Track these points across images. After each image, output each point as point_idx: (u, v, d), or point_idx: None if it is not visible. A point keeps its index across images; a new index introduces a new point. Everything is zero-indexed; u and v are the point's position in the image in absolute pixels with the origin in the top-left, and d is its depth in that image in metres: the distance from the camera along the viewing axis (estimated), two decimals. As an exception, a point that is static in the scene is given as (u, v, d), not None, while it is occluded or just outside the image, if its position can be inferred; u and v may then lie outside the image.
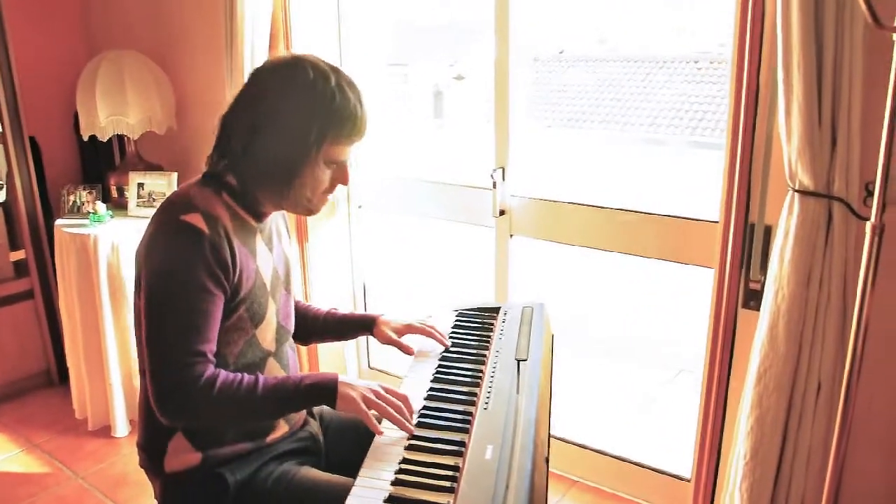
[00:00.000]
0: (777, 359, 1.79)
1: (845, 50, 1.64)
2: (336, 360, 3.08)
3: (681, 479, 2.43)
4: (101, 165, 3.44)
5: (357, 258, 3.06)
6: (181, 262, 1.35)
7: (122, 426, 2.95)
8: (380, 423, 1.45)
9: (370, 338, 1.81)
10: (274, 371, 1.55)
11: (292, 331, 1.65)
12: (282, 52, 1.45)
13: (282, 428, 1.58)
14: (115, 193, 3.17)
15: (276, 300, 1.54)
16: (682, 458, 2.45)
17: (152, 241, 1.40)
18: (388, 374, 3.12)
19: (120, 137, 3.25)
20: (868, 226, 1.47)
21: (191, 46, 3.09)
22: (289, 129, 1.37)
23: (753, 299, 1.98)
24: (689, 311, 4.91)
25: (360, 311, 3.14)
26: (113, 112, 2.93)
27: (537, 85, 10.79)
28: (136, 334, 1.47)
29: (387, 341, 1.76)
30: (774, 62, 1.72)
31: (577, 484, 2.61)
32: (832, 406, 1.80)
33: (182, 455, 1.49)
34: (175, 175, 3.00)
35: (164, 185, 3.01)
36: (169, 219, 1.39)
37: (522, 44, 2.48)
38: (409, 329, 1.77)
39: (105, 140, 3.00)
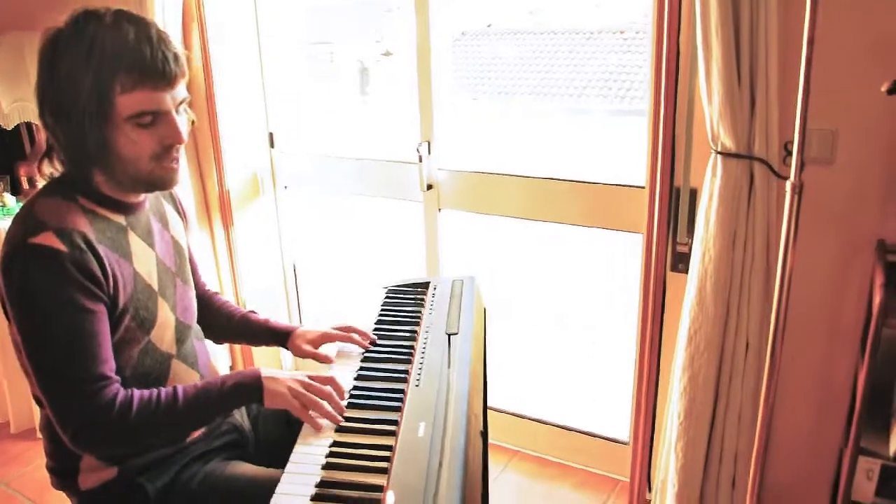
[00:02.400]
0: (706, 320, 1.81)
1: (761, 11, 1.65)
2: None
3: (619, 442, 2.46)
4: (9, 155, 3.26)
5: (286, 240, 2.98)
6: (46, 291, 1.20)
7: (46, 426, 2.82)
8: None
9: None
10: (180, 373, 1.44)
11: (193, 323, 1.53)
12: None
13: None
14: (25, 184, 3.02)
15: (167, 298, 1.41)
16: (619, 423, 2.49)
17: (6, 274, 1.22)
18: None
19: (28, 125, 3.08)
20: (788, 185, 1.49)
21: (99, 26, 2.93)
22: (72, 96, 1.19)
23: (682, 262, 2.00)
24: (621, 278, 4.97)
25: (286, 306, 3.07)
26: (17, 98, 2.78)
27: (465, 58, 10.74)
28: (17, 359, 1.32)
29: (303, 355, 1.63)
30: (693, 26, 1.73)
31: (517, 454, 2.62)
32: (760, 363, 1.84)
33: (96, 472, 1.39)
34: (89, 162, 2.87)
35: (77, 172, 2.86)
36: (18, 247, 1.21)
37: (447, 18, 2.44)
38: (326, 338, 1.63)
39: (10, 128, 2.84)
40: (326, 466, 1.25)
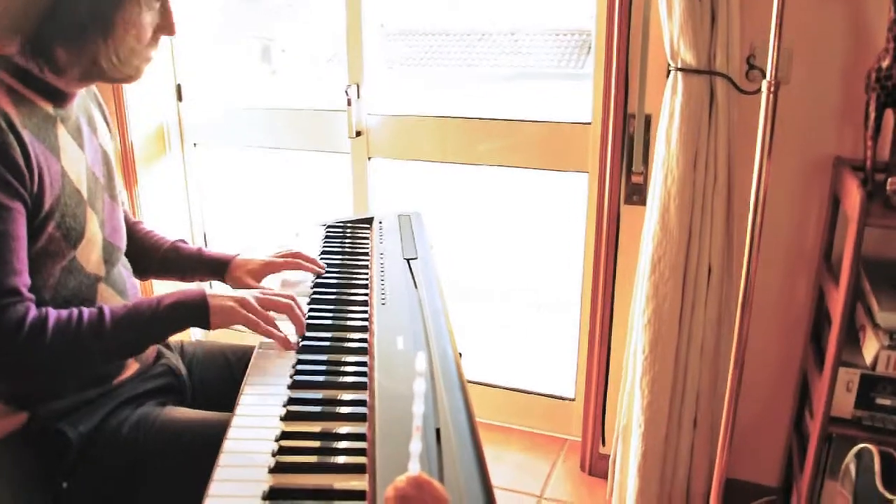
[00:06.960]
0: (671, 244, 1.73)
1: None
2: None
3: (565, 399, 2.35)
4: None
5: (195, 202, 2.72)
6: None
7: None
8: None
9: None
10: (108, 299, 1.23)
11: (124, 248, 1.33)
12: None
13: (131, 366, 1.27)
14: None
15: (97, 210, 1.21)
16: (563, 381, 2.38)
17: None
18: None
19: None
20: (764, 84, 1.43)
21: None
22: None
23: (636, 193, 1.91)
24: (563, 223, 4.79)
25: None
26: None
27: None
28: None
29: (243, 288, 1.41)
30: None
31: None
32: (721, 288, 1.77)
33: (1, 420, 1.15)
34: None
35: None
36: None
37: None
38: (269, 268, 1.45)
39: None
40: (294, 385, 1.06)
